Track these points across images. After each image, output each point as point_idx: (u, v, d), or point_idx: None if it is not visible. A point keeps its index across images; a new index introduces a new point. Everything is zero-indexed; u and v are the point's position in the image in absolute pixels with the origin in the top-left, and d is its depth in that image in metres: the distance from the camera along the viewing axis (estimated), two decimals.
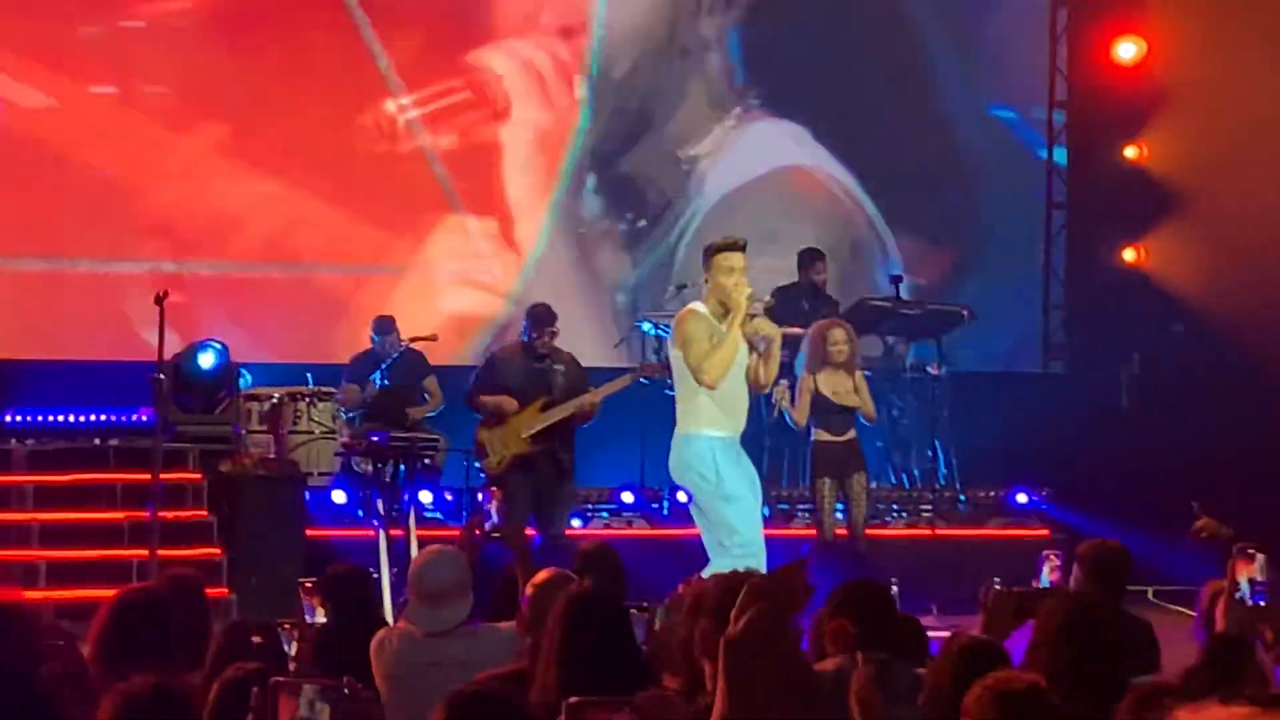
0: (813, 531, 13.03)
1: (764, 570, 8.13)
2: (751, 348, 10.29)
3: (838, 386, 12.67)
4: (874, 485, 15.12)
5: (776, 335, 10.35)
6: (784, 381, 12.40)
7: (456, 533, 12.83)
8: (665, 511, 14.85)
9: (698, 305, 10.28)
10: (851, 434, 12.76)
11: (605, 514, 14.85)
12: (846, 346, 12.68)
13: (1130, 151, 16.42)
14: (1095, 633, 5.66)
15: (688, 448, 10.21)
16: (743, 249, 10.29)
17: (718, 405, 10.19)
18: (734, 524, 10.04)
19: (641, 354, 15.47)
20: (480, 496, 13.02)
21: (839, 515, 12.80)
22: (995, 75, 17.20)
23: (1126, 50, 16.16)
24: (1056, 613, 5.74)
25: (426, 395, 14.56)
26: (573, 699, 5.40)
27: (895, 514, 15.21)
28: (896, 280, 15.90)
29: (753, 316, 10.18)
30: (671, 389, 10.58)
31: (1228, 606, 5.99)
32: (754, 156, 17.08)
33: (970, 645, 5.33)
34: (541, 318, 12.70)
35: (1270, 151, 15.50)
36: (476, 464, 12.99)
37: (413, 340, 14.46)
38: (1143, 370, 16.52)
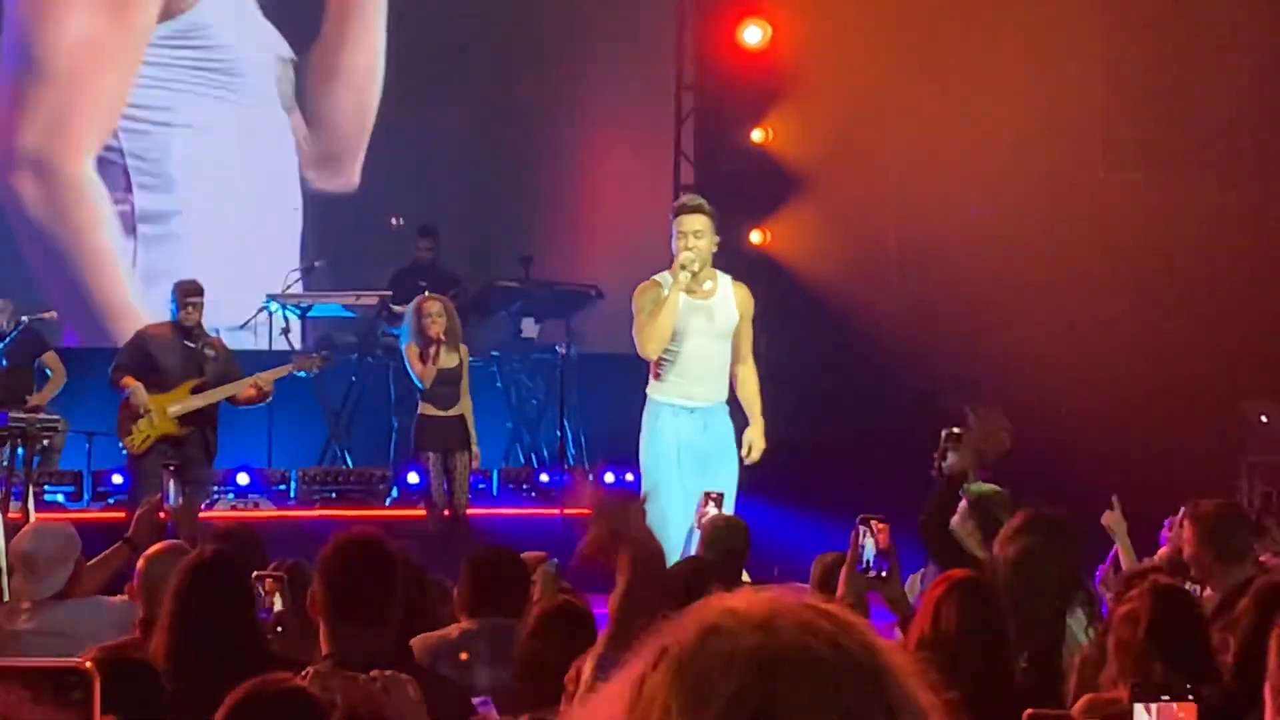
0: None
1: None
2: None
3: (442, 360, 12.57)
4: (504, 465, 15.20)
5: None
6: None
7: (81, 515, 12.62)
8: (292, 494, 14.70)
9: (660, 275, 10.22)
10: (457, 409, 12.62)
11: (231, 495, 14.61)
12: (442, 320, 12.55)
13: (757, 135, 16.61)
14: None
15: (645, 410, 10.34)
16: (695, 210, 10.21)
17: (672, 370, 10.25)
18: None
19: (269, 333, 15.32)
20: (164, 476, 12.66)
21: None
22: (623, 60, 17.30)
23: (752, 34, 16.36)
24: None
25: (48, 372, 14.17)
26: None
27: (524, 492, 15.21)
28: (527, 261, 15.94)
29: (693, 274, 10.09)
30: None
31: (849, 576, 6.14)
32: None
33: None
34: (187, 290, 12.60)
35: (884, 135, 15.87)
36: (119, 443, 12.67)
37: (32, 317, 14.13)
38: (768, 350, 16.73)
